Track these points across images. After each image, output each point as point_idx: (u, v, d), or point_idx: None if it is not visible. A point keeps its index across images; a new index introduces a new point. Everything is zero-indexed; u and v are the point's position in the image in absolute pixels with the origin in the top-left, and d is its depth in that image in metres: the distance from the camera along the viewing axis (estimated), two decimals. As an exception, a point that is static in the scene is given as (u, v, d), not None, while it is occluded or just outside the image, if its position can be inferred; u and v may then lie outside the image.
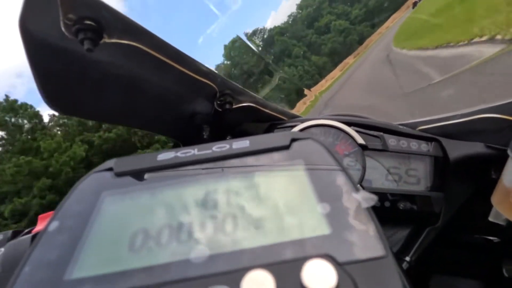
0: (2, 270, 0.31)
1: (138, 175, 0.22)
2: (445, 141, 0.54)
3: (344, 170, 0.20)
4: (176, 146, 0.68)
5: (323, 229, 0.17)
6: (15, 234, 0.39)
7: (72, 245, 0.17)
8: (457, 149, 0.53)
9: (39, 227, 0.39)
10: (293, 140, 0.23)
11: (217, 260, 0.16)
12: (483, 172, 0.51)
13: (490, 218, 0.40)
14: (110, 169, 0.22)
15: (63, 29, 0.31)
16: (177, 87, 0.48)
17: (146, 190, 0.21)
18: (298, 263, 0.15)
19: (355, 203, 0.18)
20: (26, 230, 0.40)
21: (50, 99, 0.38)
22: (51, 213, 0.22)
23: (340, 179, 0.20)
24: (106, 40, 0.33)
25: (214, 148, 0.23)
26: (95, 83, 0.42)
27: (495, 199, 0.39)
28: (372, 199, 0.18)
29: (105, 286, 0.15)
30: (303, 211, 0.18)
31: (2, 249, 0.34)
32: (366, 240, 0.16)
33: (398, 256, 0.54)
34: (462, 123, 0.51)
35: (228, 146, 0.23)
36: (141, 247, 0.17)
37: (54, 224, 0.19)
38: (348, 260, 0.15)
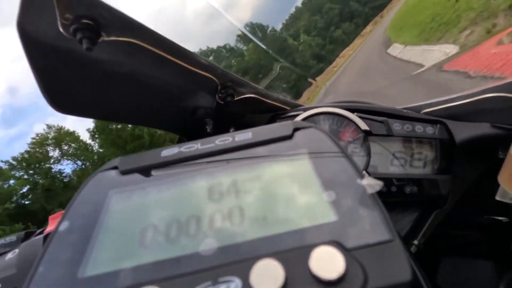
0: (17, 270, 0.32)
1: (143, 172, 0.22)
2: (450, 123, 0.54)
3: (347, 156, 0.20)
4: (181, 141, 0.69)
5: (330, 216, 0.17)
6: (28, 235, 0.40)
7: (83, 244, 0.18)
8: (463, 131, 0.52)
9: (50, 227, 0.39)
10: (296, 129, 0.23)
11: (226, 252, 0.16)
12: (490, 153, 0.50)
13: (497, 197, 0.40)
14: (115, 168, 0.23)
15: (61, 29, 0.31)
16: (178, 81, 0.48)
17: (152, 186, 0.21)
18: (306, 250, 0.15)
19: (360, 189, 0.18)
20: (39, 231, 0.41)
21: (53, 101, 0.39)
22: (61, 213, 0.22)
23: (344, 166, 0.20)
24: (105, 38, 0.33)
25: (217, 142, 0.23)
26: (96, 82, 0.42)
27: (501, 177, 0.39)
28: (377, 185, 0.18)
29: (118, 282, 0.15)
30: (308, 199, 0.18)
31: (16, 250, 0.35)
32: (372, 225, 0.16)
33: (407, 240, 0.55)
34: (468, 103, 0.50)
35: (231, 139, 0.23)
36: (150, 242, 0.17)
37: (65, 224, 0.19)
38: (355, 245, 0.15)
